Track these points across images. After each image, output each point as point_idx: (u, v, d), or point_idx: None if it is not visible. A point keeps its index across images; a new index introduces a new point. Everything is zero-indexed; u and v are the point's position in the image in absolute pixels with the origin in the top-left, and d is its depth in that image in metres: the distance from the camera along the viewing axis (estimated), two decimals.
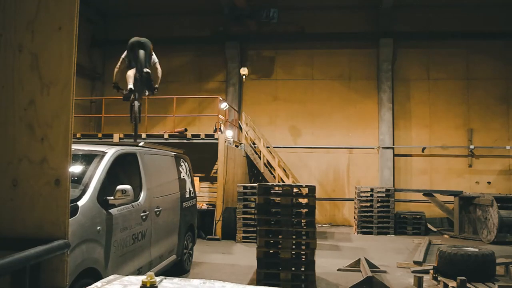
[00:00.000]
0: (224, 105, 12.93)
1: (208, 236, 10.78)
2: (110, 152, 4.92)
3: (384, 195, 12.56)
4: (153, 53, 7.98)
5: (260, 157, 13.62)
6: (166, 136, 11.56)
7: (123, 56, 7.89)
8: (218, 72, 15.76)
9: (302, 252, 6.24)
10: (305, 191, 6.65)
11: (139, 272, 5.05)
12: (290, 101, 15.20)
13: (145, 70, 7.58)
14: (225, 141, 11.35)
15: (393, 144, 14.39)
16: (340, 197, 14.71)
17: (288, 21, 14.82)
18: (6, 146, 1.91)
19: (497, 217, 10.64)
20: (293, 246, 6.27)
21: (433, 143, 14.47)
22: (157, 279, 1.79)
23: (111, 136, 11.85)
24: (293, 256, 6.16)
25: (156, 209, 5.69)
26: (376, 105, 14.70)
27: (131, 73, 7.67)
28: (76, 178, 4.36)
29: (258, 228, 6.30)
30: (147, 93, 8.11)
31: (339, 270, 7.65)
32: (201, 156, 11.47)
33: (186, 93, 14.59)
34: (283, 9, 14.53)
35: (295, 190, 6.48)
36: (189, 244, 7.39)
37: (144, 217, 5.27)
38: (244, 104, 15.37)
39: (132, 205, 4.99)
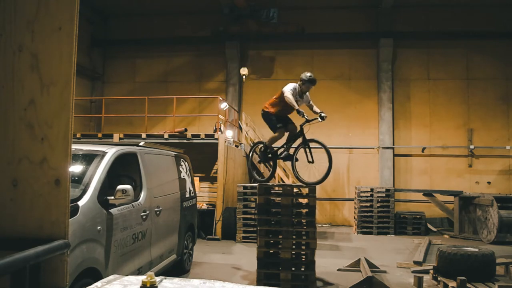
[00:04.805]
0: (224, 105, 12.92)
1: (208, 236, 10.78)
2: (111, 152, 4.92)
3: (384, 195, 12.55)
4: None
5: None
6: (166, 136, 11.56)
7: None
8: (218, 72, 15.75)
9: (302, 252, 6.24)
10: (305, 191, 6.65)
11: (139, 272, 5.05)
12: None
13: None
14: (225, 141, 11.35)
15: (393, 144, 14.38)
16: (340, 197, 14.70)
17: (288, 21, 14.81)
18: (6, 146, 1.91)
19: (497, 217, 10.64)
20: (293, 246, 6.26)
21: (433, 143, 14.46)
22: (157, 279, 1.79)
23: (111, 136, 11.85)
24: (293, 256, 6.16)
25: (156, 209, 5.69)
26: (376, 105, 14.69)
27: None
28: (76, 178, 4.36)
29: (258, 228, 6.30)
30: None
31: (339, 270, 7.65)
32: (201, 156, 11.47)
33: (186, 93, 14.58)
34: (283, 9, 14.52)
35: (295, 190, 6.48)
36: (189, 244, 7.39)
37: (144, 217, 5.27)
38: (244, 104, 15.35)
39: (132, 205, 4.98)
